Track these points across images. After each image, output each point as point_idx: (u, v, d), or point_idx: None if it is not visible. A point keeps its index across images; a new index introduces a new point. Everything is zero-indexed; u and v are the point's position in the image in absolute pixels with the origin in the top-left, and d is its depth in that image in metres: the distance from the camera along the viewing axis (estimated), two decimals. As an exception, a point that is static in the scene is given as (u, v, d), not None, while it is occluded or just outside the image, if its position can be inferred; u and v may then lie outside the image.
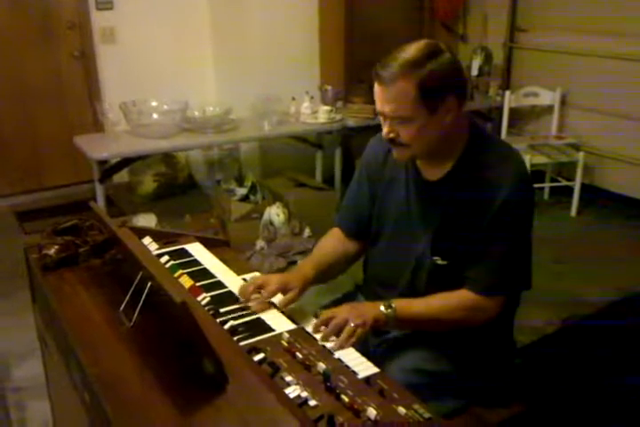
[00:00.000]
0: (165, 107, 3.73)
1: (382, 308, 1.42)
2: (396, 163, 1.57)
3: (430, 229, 1.52)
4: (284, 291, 1.50)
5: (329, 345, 1.32)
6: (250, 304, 1.47)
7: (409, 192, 1.57)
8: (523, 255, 1.51)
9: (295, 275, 1.57)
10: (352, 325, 1.35)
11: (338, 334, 1.34)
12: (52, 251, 1.57)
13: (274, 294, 1.49)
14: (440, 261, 1.52)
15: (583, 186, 4.12)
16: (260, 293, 1.49)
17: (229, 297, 1.51)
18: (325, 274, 1.65)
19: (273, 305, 1.48)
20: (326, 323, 1.37)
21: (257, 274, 1.64)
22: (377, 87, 1.41)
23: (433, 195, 1.52)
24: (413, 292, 1.56)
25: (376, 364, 1.26)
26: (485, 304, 1.47)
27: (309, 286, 1.57)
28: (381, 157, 1.62)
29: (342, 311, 1.39)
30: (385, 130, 1.45)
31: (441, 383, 1.51)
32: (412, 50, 1.38)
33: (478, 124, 1.54)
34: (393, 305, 1.43)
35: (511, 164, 1.46)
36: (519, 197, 1.44)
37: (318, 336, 1.35)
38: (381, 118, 1.46)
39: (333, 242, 1.74)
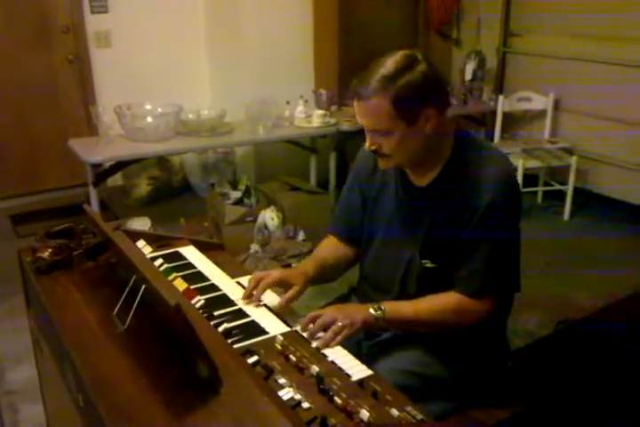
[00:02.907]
0: (159, 110, 3.73)
1: (371, 310, 1.43)
2: (385, 169, 1.59)
3: (420, 234, 1.54)
4: (285, 286, 1.53)
5: (315, 344, 1.33)
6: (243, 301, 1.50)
7: (398, 198, 1.59)
8: (510, 257, 1.52)
9: (297, 272, 1.59)
10: (339, 324, 1.36)
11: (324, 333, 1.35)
12: (45, 254, 1.57)
13: (270, 286, 1.51)
14: (429, 265, 1.53)
15: (576, 190, 4.14)
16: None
17: (223, 300, 1.51)
18: (325, 275, 1.66)
19: (267, 307, 1.49)
20: (313, 321, 1.38)
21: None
22: (355, 102, 1.43)
23: (421, 200, 1.54)
24: (405, 295, 1.57)
25: (368, 365, 1.27)
26: (474, 306, 1.49)
27: (309, 285, 1.58)
28: (372, 164, 1.64)
29: (331, 311, 1.41)
30: (367, 142, 1.48)
31: (432, 386, 1.52)
32: (387, 63, 1.39)
33: (464, 128, 1.55)
34: (382, 307, 1.44)
35: (496, 167, 1.47)
36: (504, 199, 1.45)
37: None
38: (365, 130, 1.49)
39: (332, 245, 1.75)
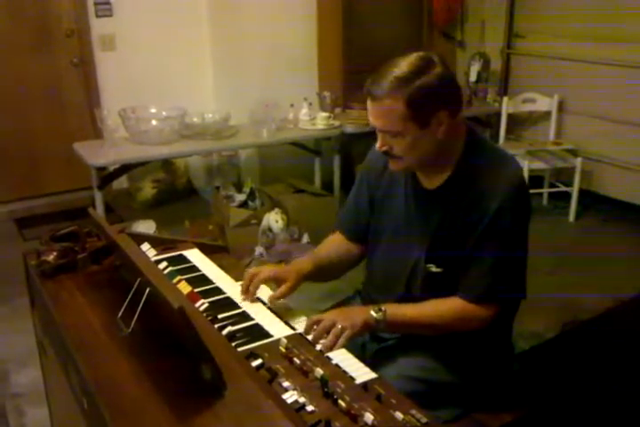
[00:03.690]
0: (164, 113, 3.74)
1: (372, 312, 1.43)
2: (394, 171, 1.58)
3: (427, 237, 1.53)
4: (278, 282, 1.54)
5: (318, 347, 1.33)
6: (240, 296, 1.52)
7: (407, 200, 1.58)
8: (517, 264, 1.50)
9: (290, 268, 1.59)
10: (339, 326, 1.36)
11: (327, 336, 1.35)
12: (50, 257, 1.57)
13: (263, 281, 1.53)
14: (434, 269, 1.52)
15: (581, 191, 4.13)
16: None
17: (227, 303, 1.51)
18: (326, 271, 1.66)
19: (271, 310, 1.49)
20: (316, 325, 1.38)
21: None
22: (368, 102, 1.42)
23: (430, 203, 1.53)
24: (409, 298, 1.56)
25: (372, 369, 1.26)
26: (477, 312, 1.48)
27: (305, 280, 1.58)
28: (381, 165, 1.63)
29: (331, 314, 1.41)
30: (378, 143, 1.47)
31: (438, 392, 1.51)
32: (403, 65, 1.37)
33: (476, 131, 1.54)
34: (383, 309, 1.43)
35: (506, 172, 1.46)
36: (513, 205, 1.43)
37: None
38: (376, 131, 1.48)
39: (336, 242, 1.75)
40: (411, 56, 1.39)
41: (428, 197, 1.54)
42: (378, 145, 1.47)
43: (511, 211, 1.43)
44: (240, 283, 1.60)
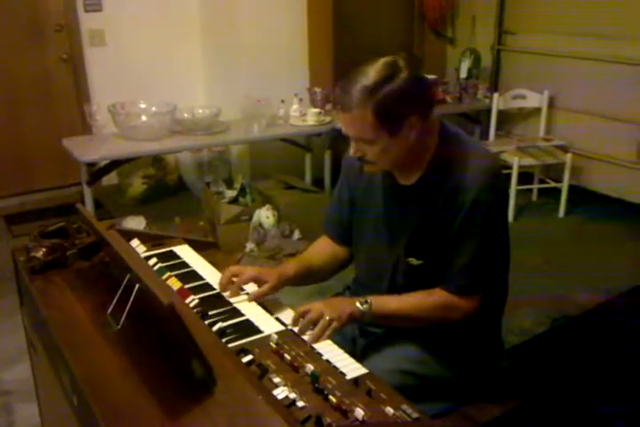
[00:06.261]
0: (154, 109, 3.72)
1: (358, 303, 1.45)
2: None
3: (406, 232, 1.54)
4: (259, 283, 1.54)
5: (306, 338, 1.33)
6: (225, 293, 1.52)
7: (385, 197, 1.59)
8: (496, 254, 1.52)
9: (272, 270, 1.60)
10: (327, 318, 1.37)
11: (314, 328, 1.36)
12: (39, 253, 1.56)
13: (246, 282, 1.54)
14: (415, 262, 1.54)
15: (571, 187, 4.14)
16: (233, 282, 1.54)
17: (218, 299, 1.51)
18: (311, 275, 1.67)
19: (261, 306, 1.49)
20: (303, 316, 1.39)
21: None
22: (339, 111, 1.44)
23: (407, 198, 1.54)
24: (395, 293, 1.57)
25: (363, 365, 1.27)
26: (460, 303, 1.49)
27: (287, 284, 1.59)
28: (359, 165, 1.63)
29: (318, 305, 1.42)
30: (352, 150, 1.48)
31: (427, 386, 1.52)
32: (369, 73, 1.37)
33: (449, 126, 1.54)
34: (369, 301, 1.45)
35: (480, 164, 1.47)
36: (488, 197, 1.44)
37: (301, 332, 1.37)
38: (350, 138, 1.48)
39: (323, 245, 1.76)
40: (377, 63, 1.38)
41: (405, 192, 1.55)
42: (351, 151, 1.49)
43: (487, 202, 1.44)
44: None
